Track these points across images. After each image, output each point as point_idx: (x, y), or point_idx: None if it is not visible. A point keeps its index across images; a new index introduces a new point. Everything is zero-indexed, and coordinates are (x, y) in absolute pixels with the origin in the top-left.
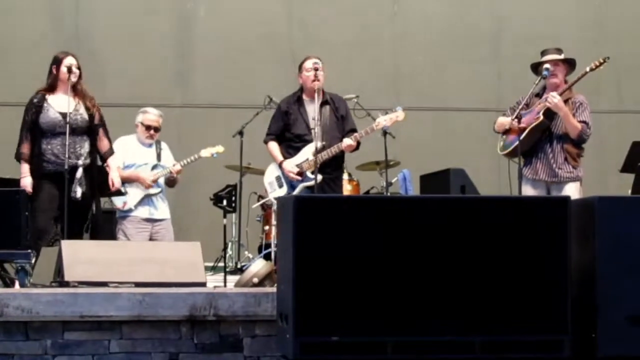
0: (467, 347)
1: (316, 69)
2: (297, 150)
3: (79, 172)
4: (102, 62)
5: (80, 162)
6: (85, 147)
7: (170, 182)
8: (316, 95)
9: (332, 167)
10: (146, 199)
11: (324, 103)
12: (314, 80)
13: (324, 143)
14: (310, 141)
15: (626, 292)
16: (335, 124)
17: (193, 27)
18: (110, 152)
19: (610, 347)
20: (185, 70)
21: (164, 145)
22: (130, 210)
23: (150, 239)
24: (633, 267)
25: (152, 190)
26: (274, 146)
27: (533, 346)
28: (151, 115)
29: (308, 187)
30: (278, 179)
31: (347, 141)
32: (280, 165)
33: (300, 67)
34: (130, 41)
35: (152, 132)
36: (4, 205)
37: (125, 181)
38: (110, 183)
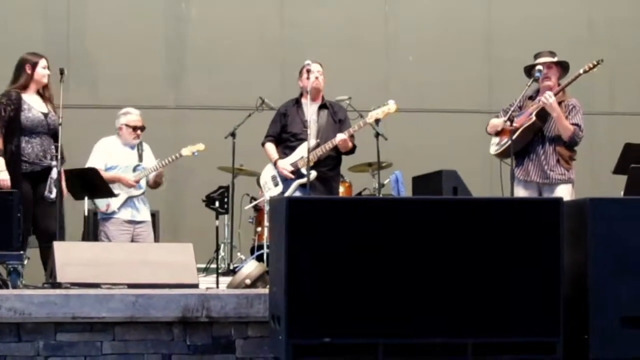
0: (459, 349)
1: (308, 71)
2: (293, 149)
3: (54, 173)
4: (95, 63)
5: (54, 162)
6: (53, 149)
7: (156, 184)
8: (309, 95)
9: (328, 167)
10: (129, 201)
11: (322, 106)
12: (314, 81)
13: (318, 141)
14: (305, 140)
15: (618, 294)
16: (332, 126)
17: (185, 29)
18: (64, 159)
19: (603, 349)
20: (178, 72)
21: (145, 146)
22: (113, 213)
23: (132, 241)
24: (625, 268)
25: (135, 192)
26: (270, 147)
27: (525, 348)
28: (135, 116)
29: (302, 185)
30: (273, 178)
31: (341, 135)
32: (275, 164)
33: (300, 72)
34: (122, 43)
35: (138, 132)
36: None
37: (108, 183)
38: (65, 191)
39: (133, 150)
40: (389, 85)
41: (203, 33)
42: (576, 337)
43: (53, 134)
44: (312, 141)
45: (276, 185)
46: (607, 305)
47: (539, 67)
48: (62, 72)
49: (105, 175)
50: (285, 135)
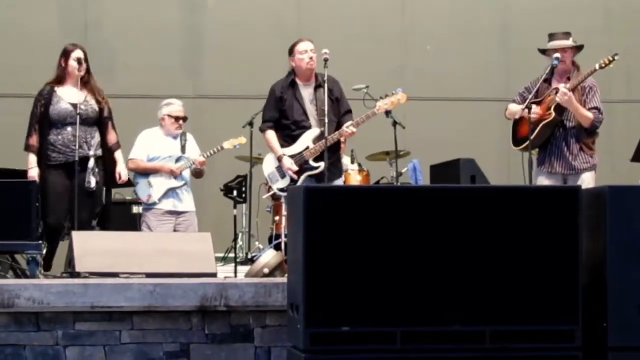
0: (477, 337)
1: (325, 60)
2: (294, 138)
3: (91, 162)
4: (112, 53)
5: (91, 152)
6: (96, 138)
7: (197, 173)
8: (325, 81)
9: (331, 152)
10: (170, 192)
11: (318, 86)
12: (309, 62)
13: (322, 129)
14: (308, 127)
15: (637, 281)
16: (330, 107)
17: (202, 18)
18: (118, 145)
19: (622, 336)
20: (195, 61)
21: (189, 136)
22: (154, 203)
23: (174, 231)
24: None
25: (176, 183)
26: (272, 136)
27: (543, 336)
28: (176, 106)
29: (311, 176)
30: (279, 169)
31: (351, 129)
32: (279, 159)
33: (291, 50)
34: (139, 32)
35: (180, 122)
36: (15, 196)
37: (150, 173)
38: (117, 176)
39: (175, 140)
40: (406, 74)
41: (220, 22)
42: (595, 325)
43: (94, 123)
44: (316, 130)
45: (283, 177)
46: (626, 293)
47: (557, 54)
48: (79, 62)
49: (147, 165)
50: (285, 122)
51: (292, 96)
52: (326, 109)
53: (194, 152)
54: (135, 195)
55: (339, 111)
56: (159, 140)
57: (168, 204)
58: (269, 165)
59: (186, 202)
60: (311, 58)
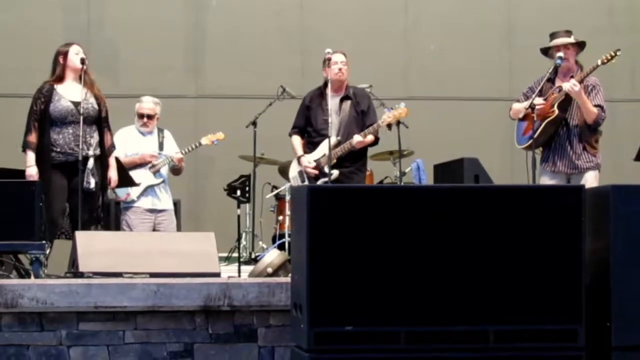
0: (480, 337)
1: (329, 60)
2: (316, 145)
3: (91, 163)
4: (115, 53)
5: (90, 152)
6: (95, 137)
7: (175, 170)
8: (332, 86)
9: (350, 161)
10: (149, 190)
11: (345, 98)
12: (337, 72)
13: (339, 138)
14: (328, 136)
15: None
16: (354, 119)
17: (205, 18)
18: (113, 148)
19: (625, 336)
20: (198, 61)
21: (167, 133)
22: (132, 202)
23: (154, 230)
24: None
25: (155, 181)
26: (295, 140)
27: (547, 335)
28: (144, 103)
29: (326, 183)
30: (301, 173)
31: (357, 138)
32: (298, 160)
33: (324, 61)
34: (142, 32)
35: (144, 119)
36: (19, 196)
37: (130, 168)
38: (108, 181)
39: (151, 137)
40: (409, 73)
41: (223, 21)
42: (598, 324)
43: (93, 122)
44: (333, 138)
45: (303, 181)
46: (629, 292)
47: (560, 53)
48: (82, 62)
49: (126, 160)
50: (308, 129)
51: (318, 105)
52: (330, 110)
53: (172, 149)
54: (114, 194)
55: (363, 124)
56: (134, 137)
57: (147, 202)
58: (293, 169)
59: (164, 200)
60: (340, 69)
